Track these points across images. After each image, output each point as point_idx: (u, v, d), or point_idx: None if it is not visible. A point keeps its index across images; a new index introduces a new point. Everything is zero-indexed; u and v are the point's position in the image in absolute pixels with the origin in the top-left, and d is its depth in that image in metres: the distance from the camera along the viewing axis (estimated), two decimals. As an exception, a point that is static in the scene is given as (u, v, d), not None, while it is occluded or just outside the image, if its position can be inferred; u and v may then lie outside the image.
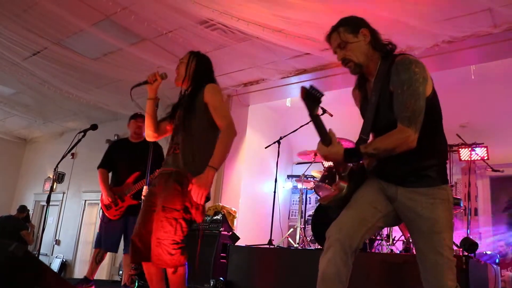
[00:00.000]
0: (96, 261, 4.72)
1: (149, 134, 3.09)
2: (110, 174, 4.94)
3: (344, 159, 2.04)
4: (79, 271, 9.21)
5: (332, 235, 2.11)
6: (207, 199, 2.80)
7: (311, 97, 2.04)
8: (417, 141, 2.00)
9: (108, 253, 4.99)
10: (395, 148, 1.99)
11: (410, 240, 4.79)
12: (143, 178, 4.61)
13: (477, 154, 6.13)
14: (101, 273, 8.51)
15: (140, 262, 2.80)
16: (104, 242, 4.71)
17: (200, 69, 3.02)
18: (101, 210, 4.82)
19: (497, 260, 5.76)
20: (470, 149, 6.17)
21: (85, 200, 9.62)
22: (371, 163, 2.23)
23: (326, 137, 2.07)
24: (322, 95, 2.03)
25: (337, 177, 2.25)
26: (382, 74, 2.14)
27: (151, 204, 2.79)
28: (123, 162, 4.83)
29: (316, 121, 2.08)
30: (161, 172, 2.89)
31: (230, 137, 2.80)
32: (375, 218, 2.15)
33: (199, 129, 2.86)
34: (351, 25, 2.21)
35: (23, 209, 8.78)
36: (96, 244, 4.79)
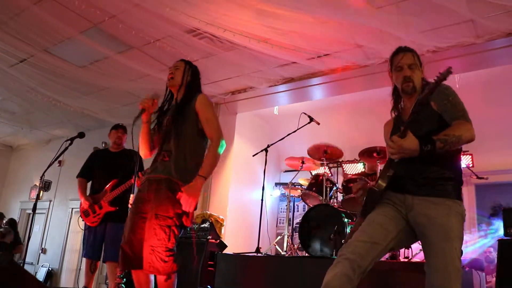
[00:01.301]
0: (91, 270, 4.78)
1: (145, 154, 3.13)
2: (89, 184, 5.05)
3: (420, 147, 2.10)
4: (66, 280, 9.12)
5: (344, 253, 2.19)
6: (195, 207, 2.83)
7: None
8: (438, 154, 2.15)
9: (85, 260, 4.98)
10: (462, 135, 2.12)
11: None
12: (121, 185, 4.74)
13: (462, 162, 6.21)
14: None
15: (129, 270, 2.80)
16: (86, 250, 4.77)
17: (194, 80, 3.11)
18: (80, 219, 4.88)
19: (482, 267, 5.82)
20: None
21: (72, 208, 9.54)
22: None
23: (404, 132, 2.14)
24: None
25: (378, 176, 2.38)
26: (424, 96, 2.27)
27: (140, 211, 2.81)
28: (101, 171, 4.95)
29: (417, 112, 2.16)
30: (150, 178, 2.90)
31: (220, 148, 2.87)
32: (386, 241, 2.24)
33: (190, 136, 2.91)
34: (419, 57, 2.49)
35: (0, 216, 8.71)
36: (86, 254, 4.83)
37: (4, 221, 8.73)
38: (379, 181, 2.32)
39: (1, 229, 8.27)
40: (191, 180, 2.73)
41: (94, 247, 4.72)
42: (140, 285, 2.81)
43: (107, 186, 4.79)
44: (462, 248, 4.29)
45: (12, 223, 8.84)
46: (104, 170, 4.92)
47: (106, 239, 4.67)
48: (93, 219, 4.73)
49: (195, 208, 2.83)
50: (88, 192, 4.97)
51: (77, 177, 5.01)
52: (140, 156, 4.79)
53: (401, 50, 2.47)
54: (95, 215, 4.74)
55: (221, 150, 2.88)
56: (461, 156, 5.88)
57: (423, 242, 2.25)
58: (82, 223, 4.90)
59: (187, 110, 2.93)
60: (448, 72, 2.06)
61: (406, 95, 2.47)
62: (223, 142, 2.90)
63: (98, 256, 4.78)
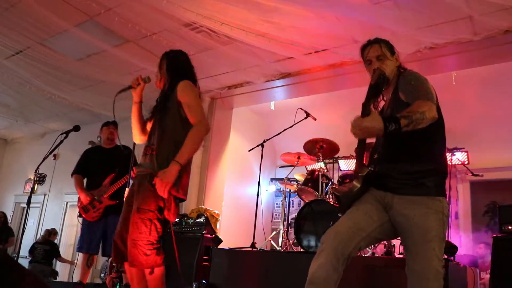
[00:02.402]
0: (87, 265, 4.79)
1: (136, 137, 3.12)
2: (85, 180, 5.03)
3: (384, 125, 1.92)
4: (60, 274, 9.09)
5: (326, 241, 2.15)
6: (181, 200, 2.83)
7: (378, 89, 2.20)
8: (413, 146, 2.13)
9: (82, 255, 4.98)
10: (425, 112, 1.98)
11: (392, 244, 4.85)
12: (120, 178, 4.76)
13: (458, 159, 6.23)
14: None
15: (121, 263, 2.82)
16: (85, 245, 4.74)
17: (172, 67, 3.05)
18: (79, 213, 4.87)
19: (476, 263, 5.85)
20: (450, 153, 6.27)
21: (67, 202, 9.51)
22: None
23: (366, 109, 2.01)
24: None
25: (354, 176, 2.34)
26: (396, 90, 2.30)
27: (131, 205, 2.80)
28: (97, 167, 4.95)
29: (366, 107, 2.03)
30: (137, 173, 2.91)
31: (200, 133, 2.80)
32: (370, 228, 2.20)
33: (172, 127, 2.85)
34: (390, 46, 2.44)
35: None
36: (80, 248, 4.82)
37: None
38: (354, 182, 2.28)
39: None
40: None
41: (91, 241, 4.71)
42: (131, 277, 2.80)
43: (106, 180, 4.80)
44: (456, 244, 4.33)
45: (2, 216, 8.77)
46: (100, 166, 4.93)
47: (109, 233, 4.65)
48: (93, 214, 4.73)
49: (182, 200, 2.83)
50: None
51: (72, 174, 5.00)
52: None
53: (369, 43, 2.44)
54: (95, 210, 4.73)
55: (202, 137, 2.82)
56: (455, 151, 5.99)
57: (402, 242, 2.24)
58: (80, 219, 4.90)
59: (170, 100, 2.90)
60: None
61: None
62: (205, 129, 2.83)
63: (95, 250, 4.77)
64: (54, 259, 8.29)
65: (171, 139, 2.83)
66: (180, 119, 2.86)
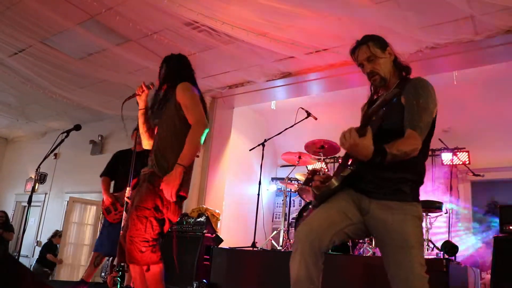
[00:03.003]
0: (95, 264, 4.83)
1: (145, 143, 3.21)
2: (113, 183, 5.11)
3: (373, 155, 1.89)
4: (61, 273, 9.10)
5: (301, 236, 2.11)
6: (182, 197, 2.83)
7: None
8: None
9: (92, 253, 5.02)
10: (411, 153, 1.98)
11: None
12: None
13: (459, 159, 6.24)
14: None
15: (125, 262, 2.82)
16: (105, 246, 4.78)
17: (170, 71, 3.09)
18: (102, 214, 4.99)
19: (477, 263, 5.85)
20: (452, 153, 6.27)
21: (67, 201, 9.50)
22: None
23: (364, 128, 1.92)
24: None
25: (334, 174, 2.27)
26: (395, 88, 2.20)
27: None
28: (124, 170, 4.93)
29: (379, 107, 1.95)
30: (141, 173, 3.02)
31: (199, 133, 2.79)
32: (344, 224, 2.14)
33: (172, 128, 2.88)
34: (380, 41, 2.31)
35: None
36: (96, 248, 4.89)
37: None
38: (332, 180, 2.20)
39: None
40: None
41: (108, 242, 4.73)
42: (135, 276, 2.82)
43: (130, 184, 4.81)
44: (458, 244, 4.33)
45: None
46: (127, 169, 4.93)
47: None
48: (115, 216, 4.78)
49: (183, 198, 2.85)
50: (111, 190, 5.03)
51: (100, 176, 5.05)
52: None
53: (357, 45, 2.34)
54: (116, 212, 4.78)
55: (202, 137, 2.81)
56: (456, 151, 5.97)
57: (381, 249, 2.17)
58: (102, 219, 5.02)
59: (169, 102, 2.93)
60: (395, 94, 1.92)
61: (378, 87, 2.36)
62: (203, 128, 2.82)
63: (106, 251, 4.81)
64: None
65: (169, 140, 2.87)
66: (179, 120, 2.87)
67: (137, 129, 5.03)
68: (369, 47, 2.27)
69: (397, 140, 1.99)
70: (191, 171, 2.92)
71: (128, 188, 3.67)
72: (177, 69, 3.10)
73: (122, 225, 2.95)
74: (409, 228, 2.06)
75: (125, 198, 3.76)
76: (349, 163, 2.24)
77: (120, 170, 5.02)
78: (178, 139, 2.83)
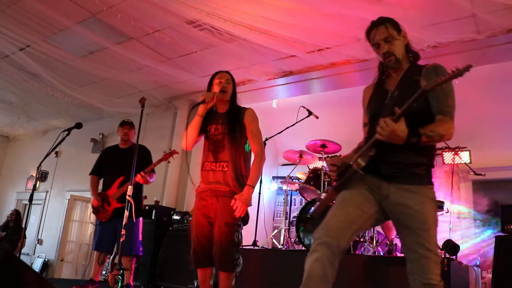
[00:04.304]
0: (99, 262, 4.85)
1: (189, 146, 3.23)
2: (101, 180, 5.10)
3: (407, 137, 2.05)
4: (62, 271, 9.12)
5: (320, 236, 2.15)
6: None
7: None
8: None
9: (95, 253, 5.03)
10: (446, 135, 2.12)
11: (394, 242, 4.85)
12: (127, 181, 4.67)
13: (460, 158, 6.22)
14: (86, 273, 8.45)
15: (200, 268, 3.11)
16: (99, 245, 4.81)
17: (235, 90, 3.33)
18: (93, 214, 4.97)
19: (478, 262, 5.85)
20: (453, 152, 6.26)
21: (68, 200, 9.52)
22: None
23: (400, 115, 2.04)
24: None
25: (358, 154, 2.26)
26: (412, 72, 2.28)
27: (207, 216, 3.10)
28: (111, 167, 4.98)
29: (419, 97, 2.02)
30: (211, 188, 3.12)
31: (263, 162, 3.18)
32: (361, 220, 2.22)
33: (242, 148, 3.17)
34: (396, 24, 2.37)
35: None
36: (94, 246, 4.90)
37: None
38: (359, 160, 2.21)
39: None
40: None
41: (102, 241, 4.77)
42: (205, 279, 3.11)
43: (115, 183, 4.82)
44: (459, 244, 4.33)
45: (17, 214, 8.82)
46: (113, 166, 4.95)
47: (118, 234, 4.60)
48: (103, 215, 4.80)
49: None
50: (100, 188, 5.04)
51: (89, 174, 5.07)
52: (149, 152, 4.97)
53: (374, 25, 2.37)
54: (104, 211, 4.80)
55: (263, 164, 3.19)
56: (458, 151, 5.96)
57: (400, 230, 2.27)
58: (93, 219, 5.00)
59: (239, 122, 3.17)
60: (467, 68, 1.91)
61: (391, 68, 2.39)
62: (264, 158, 3.18)
63: (106, 249, 4.83)
64: None
65: (241, 159, 3.15)
66: (246, 142, 3.19)
67: (120, 125, 5.10)
68: (387, 28, 2.33)
69: (430, 124, 2.12)
70: None
71: (130, 187, 3.67)
72: (236, 91, 3.34)
73: (192, 236, 3.17)
74: (426, 210, 2.15)
75: (127, 197, 3.78)
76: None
77: (106, 167, 5.03)
78: (247, 161, 3.20)
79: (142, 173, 4.44)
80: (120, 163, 4.87)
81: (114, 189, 4.80)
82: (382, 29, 2.33)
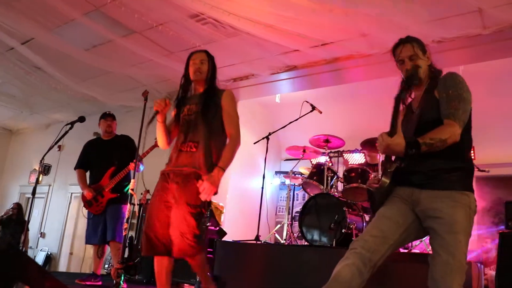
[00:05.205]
0: (98, 256, 4.91)
1: (163, 146, 3.20)
2: (88, 174, 5.13)
3: (405, 150, 2.09)
4: (64, 264, 9.15)
5: (355, 247, 2.19)
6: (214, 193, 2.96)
7: (411, 79, 2.26)
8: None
9: (92, 247, 5.05)
10: (448, 138, 2.11)
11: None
12: (119, 172, 4.83)
13: (464, 154, 6.19)
14: (86, 266, 8.48)
15: (152, 255, 2.93)
16: (93, 237, 4.84)
17: (214, 72, 3.20)
18: (84, 208, 4.98)
19: (480, 259, 5.83)
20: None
21: (71, 193, 9.54)
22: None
23: (394, 128, 2.13)
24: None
25: (382, 173, 2.42)
26: (431, 87, 2.33)
27: (165, 200, 2.92)
28: (97, 160, 5.03)
29: (397, 106, 2.17)
30: (175, 171, 2.96)
31: (238, 145, 3.01)
32: (397, 234, 2.24)
33: (216, 129, 3.02)
34: (422, 45, 2.44)
35: None
36: (86, 240, 4.95)
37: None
38: (383, 178, 2.34)
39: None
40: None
41: (97, 232, 4.80)
42: (161, 269, 2.92)
43: (106, 174, 4.85)
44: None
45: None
46: (100, 158, 5.00)
47: (108, 220, 4.77)
48: (97, 208, 4.82)
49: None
50: (88, 182, 5.04)
51: (75, 168, 5.08)
52: (133, 141, 4.99)
53: (401, 42, 2.44)
54: (98, 203, 4.82)
55: (238, 148, 3.02)
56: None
57: (430, 235, 2.24)
58: (85, 212, 4.99)
59: (215, 103, 3.04)
60: None
61: (412, 85, 2.43)
62: (239, 141, 3.03)
63: (103, 240, 4.83)
64: None
65: (214, 140, 2.99)
66: (221, 123, 3.04)
67: (103, 117, 5.11)
68: (413, 47, 2.39)
69: (433, 130, 2.15)
70: None
71: (132, 180, 3.68)
72: (215, 71, 3.21)
73: (146, 219, 2.99)
74: (457, 216, 2.12)
75: (130, 190, 3.77)
76: (394, 158, 2.38)
77: (93, 160, 5.06)
78: (220, 143, 3.02)
79: (135, 161, 4.33)
80: (107, 155, 4.94)
81: (106, 180, 4.84)
82: (408, 47, 2.40)
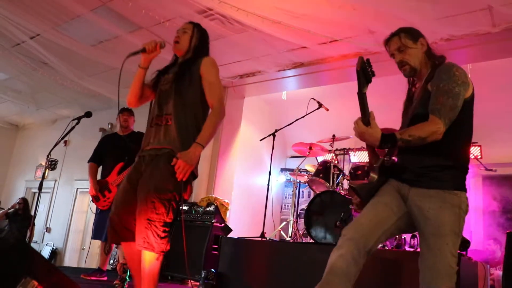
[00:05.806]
0: (105, 252, 4.94)
1: (131, 102, 2.88)
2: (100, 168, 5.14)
3: (380, 143, 2.06)
4: (70, 259, 9.19)
5: (348, 233, 2.14)
6: (194, 177, 2.65)
7: (365, 72, 2.07)
8: (437, 142, 2.09)
9: (100, 243, 5.08)
10: (428, 137, 2.05)
11: (403, 236, 4.82)
12: (127, 167, 4.77)
13: (471, 153, 6.16)
14: (92, 262, 8.50)
15: (117, 243, 2.68)
16: (99, 233, 4.84)
17: (201, 44, 2.87)
18: (91, 201, 5.01)
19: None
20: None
21: (77, 188, 9.57)
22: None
23: (367, 117, 2.09)
24: (374, 75, 2.09)
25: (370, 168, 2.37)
26: (429, 77, 2.26)
27: (131, 181, 2.63)
28: (110, 155, 5.04)
29: (363, 99, 2.09)
30: (150, 151, 2.66)
31: (220, 118, 2.66)
32: (391, 221, 2.19)
33: (192, 100, 2.68)
34: (412, 33, 2.37)
35: None
36: (94, 236, 4.95)
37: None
38: (371, 174, 2.29)
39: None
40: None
41: (104, 229, 4.75)
42: (132, 257, 2.63)
43: (114, 169, 4.87)
44: (469, 239, 4.28)
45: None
46: (113, 153, 5.00)
47: None
48: (104, 203, 4.83)
49: (194, 177, 2.65)
50: (99, 176, 5.05)
51: (88, 162, 5.11)
52: None
53: (390, 37, 2.40)
54: (105, 199, 4.83)
55: (221, 119, 2.67)
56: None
57: (418, 234, 2.21)
58: (93, 207, 5.02)
59: (192, 71, 2.70)
60: None
61: (412, 77, 2.42)
62: (224, 110, 2.67)
63: (104, 237, 4.82)
64: None
65: (192, 112, 2.66)
66: (201, 94, 2.68)
67: (120, 111, 5.08)
68: (400, 38, 2.34)
69: (414, 126, 2.10)
70: None
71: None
72: (205, 42, 2.90)
73: (113, 203, 2.72)
74: (445, 217, 2.07)
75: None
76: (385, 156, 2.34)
77: (106, 155, 5.07)
78: (199, 115, 2.68)
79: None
80: (120, 150, 4.92)
81: (114, 175, 4.84)
82: (395, 40, 2.35)
